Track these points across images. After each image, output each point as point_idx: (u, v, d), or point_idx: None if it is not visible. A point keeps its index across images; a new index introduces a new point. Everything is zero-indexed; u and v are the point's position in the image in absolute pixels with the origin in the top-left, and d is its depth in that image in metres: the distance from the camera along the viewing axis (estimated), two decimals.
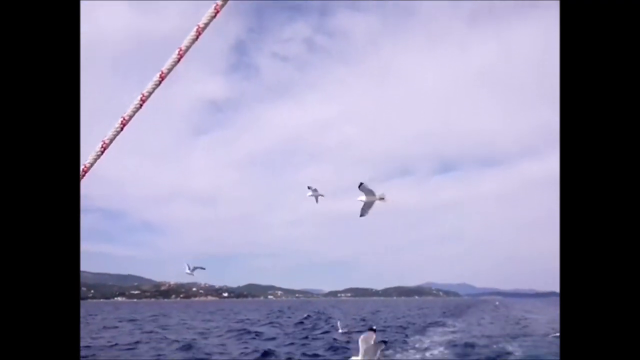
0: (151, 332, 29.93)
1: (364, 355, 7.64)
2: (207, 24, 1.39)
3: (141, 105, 1.43)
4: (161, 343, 23.01)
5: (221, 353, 19.58)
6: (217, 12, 1.37)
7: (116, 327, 35.70)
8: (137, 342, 23.48)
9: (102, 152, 1.45)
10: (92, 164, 1.47)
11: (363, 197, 7.24)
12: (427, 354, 18.10)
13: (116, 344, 22.85)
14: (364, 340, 7.84)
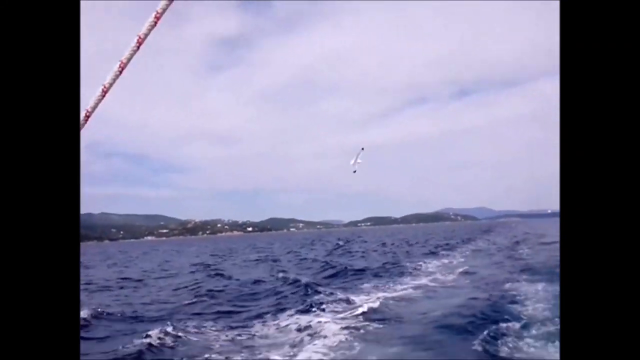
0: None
1: None
2: None
3: (138, 47, 1.42)
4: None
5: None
6: None
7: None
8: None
9: (103, 97, 1.46)
10: (93, 109, 1.49)
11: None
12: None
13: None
14: None
